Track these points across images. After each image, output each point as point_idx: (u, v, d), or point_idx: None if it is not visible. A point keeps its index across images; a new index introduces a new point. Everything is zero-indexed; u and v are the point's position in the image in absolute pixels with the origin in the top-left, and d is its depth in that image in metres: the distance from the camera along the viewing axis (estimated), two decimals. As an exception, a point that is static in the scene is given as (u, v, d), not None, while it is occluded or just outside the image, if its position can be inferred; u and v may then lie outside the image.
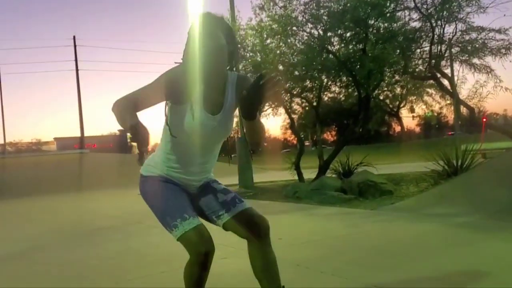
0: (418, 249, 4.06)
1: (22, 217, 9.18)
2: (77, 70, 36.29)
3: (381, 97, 14.20)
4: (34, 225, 7.77)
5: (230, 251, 4.35)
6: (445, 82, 11.43)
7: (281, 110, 13.51)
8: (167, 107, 2.10)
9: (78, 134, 34.24)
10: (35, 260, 4.82)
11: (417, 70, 11.67)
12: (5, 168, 18.07)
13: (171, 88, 2.03)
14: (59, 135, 45.25)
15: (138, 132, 1.82)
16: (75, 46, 36.45)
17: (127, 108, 1.99)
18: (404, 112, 17.08)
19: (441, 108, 14.26)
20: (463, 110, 11.38)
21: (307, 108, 13.83)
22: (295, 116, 13.91)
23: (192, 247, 2.07)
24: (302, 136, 14.98)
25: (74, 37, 36.82)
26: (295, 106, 13.78)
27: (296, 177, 11.79)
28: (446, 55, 10.88)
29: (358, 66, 10.08)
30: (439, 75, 11.07)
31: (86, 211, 6.19)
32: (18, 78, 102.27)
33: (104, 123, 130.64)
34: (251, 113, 1.94)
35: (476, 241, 4.15)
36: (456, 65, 11.34)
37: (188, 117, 2.08)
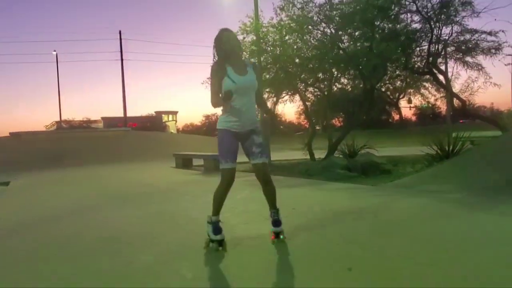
0: (413, 219, 4.05)
1: (75, 182, 9.37)
2: (122, 60, 36.52)
3: (383, 89, 14.05)
4: (84, 189, 7.95)
5: (251, 217, 4.42)
6: (441, 77, 11.27)
7: (297, 97, 13.45)
8: (223, 85, 3.17)
9: (122, 115, 34.56)
10: (85, 216, 4.96)
11: (416, 66, 11.49)
12: (61, 142, 18.40)
13: (216, 71, 3.23)
14: (105, 115, 45.74)
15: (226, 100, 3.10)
16: (120, 39, 36.60)
17: (216, 96, 3.23)
18: (402, 103, 16.87)
19: (436, 100, 14.07)
20: (457, 102, 11.20)
21: (319, 96, 13.74)
22: (308, 104, 13.83)
23: (224, 177, 3.29)
24: (314, 121, 14.89)
25: (120, 31, 36.95)
26: (309, 95, 13.71)
27: (308, 157, 11.77)
28: (442, 53, 10.68)
29: (364, 61, 9.94)
30: (435, 71, 10.88)
31: (128, 179, 6.29)
32: (73, 66, 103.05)
33: (143, 106, 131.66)
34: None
35: (465, 214, 4.13)
36: (451, 63, 11.17)
37: (230, 78, 3.14)
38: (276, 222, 3.41)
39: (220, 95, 3.18)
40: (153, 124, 46.13)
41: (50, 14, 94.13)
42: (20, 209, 5.89)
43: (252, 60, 3.60)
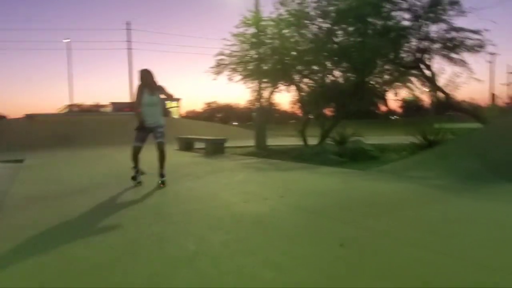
0: (398, 202, 4.03)
1: (86, 162, 9.31)
2: (129, 49, 36.12)
3: (372, 82, 13.94)
4: (94, 168, 7.89)
5: (249, 197, 4.39)
6: (427, 72, 11.17)
7: (292, 87, 13.34)
8: (142, 97, 5.25)
9: (129, 100, 34.30)
10: (94, 193, 4.90)
11: (404, 61, 11.38)
12: (72, 124, 18.25)
13: (139, 92, 5.27)
14: (114, 100, 45.38)
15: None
16: (128, 29, 36.14)
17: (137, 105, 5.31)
18: (390, 95, 16.77)
19: (421, 93, 14.00)
20: (440, 95, 11.12)
21: (312, 87, 13.63)
22: (303, 94, 13.73)
23: (133, 148, 5.30)
24: (307, 110, 14.80)
25: (127, 22, 36.49)
26: (303, 86, 13.59)
27: (301, 143, 11.73)
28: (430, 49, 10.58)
29: (357, 55, 9.84)
30: (422, 66, 10.79)
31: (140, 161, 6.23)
32: (83, 54, 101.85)
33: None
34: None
35: (450, 198, 4.13)
36: (438, 58, 11.07)
37: (145, 97, 5.24)
38: (162, 175, 5.39)
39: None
40: (157, 109, 45.72)
41: (63, 3, 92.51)
42: (32, 185, 5.83)
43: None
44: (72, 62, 63.00)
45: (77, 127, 17.56)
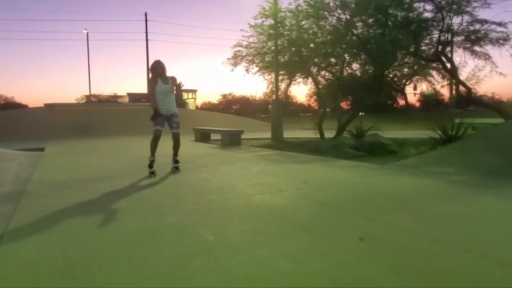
0: (418, 197, 3.98)
1: (104, 152, 9.45)
2: (147, 40, 36.37)
3: (391, 75, 13.72)
4: (111, 158, 8.00)
5: (266, 189, 4.38)
6: (448, 65, 10.92)
7: (309, 80, 13.24)
8: (156, 86, 5.50)
9: (145, 91, 34.60)
10: (114, 183, 4.97)
11: (425, 53, 11.15)
12: (90, 114, 18.53)
13: (152, 81, 5.52)
14: (131, 91, 45.86)
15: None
16: (146, 20, 36.37)
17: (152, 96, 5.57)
18: (408, 89, 16.53)
19: (442, 87, 13.73)
20: (462, 89, 10.88)
21: (329, 80, 13.50)
22: (320, 86, 13.62)
23: (155, 133, 5.52)
24: (324, 103, 14.69)
25: (145, 13, 36.73)
26: (321, 78, 13.48)
27: (318, 135, 11.65)
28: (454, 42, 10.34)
29: (376, 47, 9.68)
30: (444, 59, 10.55)
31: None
32: (102, 45, 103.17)
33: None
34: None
35: (470, 194, 4.04)
36: (460, 51, 10.82)
37: (159, 86, 5.50)
38: (176, 161, 5.80)
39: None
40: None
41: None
42: (52, 172, 5.96)
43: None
44: (90, 53, 63.79)
45: (95, 117, 17.82)
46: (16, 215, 3.32)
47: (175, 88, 5.62)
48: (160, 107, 5.50)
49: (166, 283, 1.98)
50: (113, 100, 41.04)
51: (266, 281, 1.98)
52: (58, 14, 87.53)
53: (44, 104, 19.97)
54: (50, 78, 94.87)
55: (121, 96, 45.48)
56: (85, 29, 40.21)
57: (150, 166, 5.50)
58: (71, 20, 79.40)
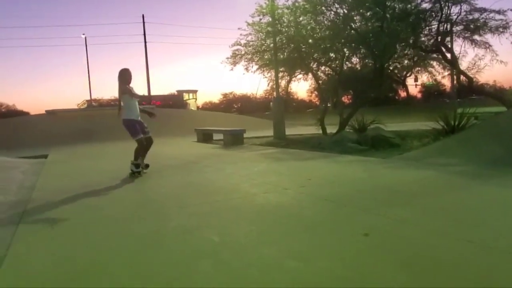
0: (422, 190, 3.98)
1: (107, 156, 9.50)
2: (145, 42, 36.38)
3: (391, 68, 13.69)
4: (115, 162, 8.02)
5: (270, 188, 4.39)
6: (448, 55, 10.89)
7: (309, 76, 13.23)
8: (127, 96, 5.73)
9: (146, 93, 34.64)
10: (117, 186, 5.01)
11: (424, 44, 11.12)
12: (92, 119, 18.56)
13: (124, 86, 5.70)
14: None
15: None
16: (143, 22, 36.39)
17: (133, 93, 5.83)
18: (409, 81, 16.49)
19: (443, 77, 13.69)
20: (463, 79, 10.85)
21: (330, 75, 13.48)
22: (320, 82, 13.61)
23: (139, 142, 5.63)
24: (325, 98, 14.67)
25: (143, 15, 36.74)
26: (320, 74, 13.46)
27: (320, 131, 11.65)
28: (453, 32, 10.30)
29: (375, 41, 9.65)
30: (444, 49, 10.52)
31: (154, 153, 6.31)
32: (100, 48, 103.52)
33: (166, 85, 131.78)
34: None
35: (474, 185, 4.04)
36: (459, 41, 10.78)
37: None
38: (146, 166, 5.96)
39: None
40: (175, 102, 46.18)
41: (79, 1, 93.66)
42: (56, 179, 5.99)
43: None
44: (90, 57, 63.94)
45: (96, 121, 17.83)
46: (22, 224, 3.35)
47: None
48: (133, 113, 5.74)
49: (173, 286, 1.99)
50: (114, 103, 41.05)
51: (273, 281, 2.00)
52: (55, 20, 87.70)
53: (46, 111, 20.02)
54: (51, 85, 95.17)
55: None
56: (83, 34, 40.34)
57: (136, 167, 5.68)
58: (69, 26, 79.69)
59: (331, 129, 11.29)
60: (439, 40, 10.27)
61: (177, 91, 55.06)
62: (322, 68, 12.98)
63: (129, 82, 5.78)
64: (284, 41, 11.69)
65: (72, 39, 59.65)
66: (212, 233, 2.81)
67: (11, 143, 14.58)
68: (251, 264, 2.23)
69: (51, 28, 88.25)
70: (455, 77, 11.75)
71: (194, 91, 56.53)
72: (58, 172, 6.97)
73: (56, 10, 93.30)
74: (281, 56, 12.13)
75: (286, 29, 11.49)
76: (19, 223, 3.38)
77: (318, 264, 2.17)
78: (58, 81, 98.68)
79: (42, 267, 2.35)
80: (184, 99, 51.75)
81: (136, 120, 5.75)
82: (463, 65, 11.07)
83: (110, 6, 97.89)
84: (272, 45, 11.69)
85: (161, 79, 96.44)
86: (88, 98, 40.34)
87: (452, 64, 10.72)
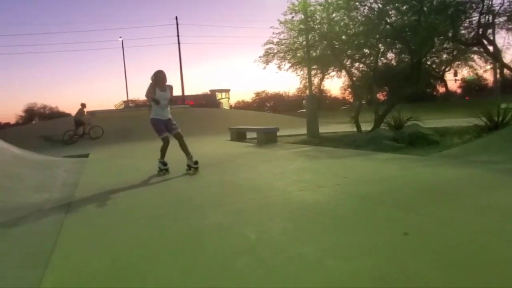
0: (464, 188, 3.82)
1: (143, 155, 9.75)
2: (179, 44, 37.10)
3: (429, 63, 13.26)
4: (151, 161, 8.19)
5: (305, 186, 4.36)
6: (491, 48, 10.41)
7: (343, 73, 13.04)
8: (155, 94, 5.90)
9: (180, 93, 35.30)
10: (152, 185, 5.13)
11: (464, 37, 10.68)
12: (129, 119, 19.13)
13: (153, 87, 5.91)
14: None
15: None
16: (177, 24, 37.10)
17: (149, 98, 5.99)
18: (448, 76, 15.89)
19: (484, 71, 13.11)
20: (506, 72, 10.33)
21: (363, 72, 13.23)
22: (354, 79, 13.38)
23: (165, 140, 6.02)
24: (359, 95, 14.40)
25: (176, 17, 37.46)
26: (354, 70, 13.24)
27: (354, 129, 11.46)
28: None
29: (412, 35, 9.37)
30: (485, 42, 10.06)
31: (182, 152, 6.46)
32: (136, 50, 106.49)
33: (199, 85, 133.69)
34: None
35: (520, 184, 3.84)
36: (502, 33, 10.28)
37: (158, 93, 5.90)
38: (195, 162, 6.05)
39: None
40: (208, 101, 46.77)
41: (114, 3, 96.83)
42: (98, 177, 6.23)
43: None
44: (126, 59, 65.98)
45: (134, 121, 18.35)
46: (67, 220, 3.51)
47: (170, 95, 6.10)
48: (159, 113, 5.97)
49: (213, 283, 2.03)
50: (149, 104, 42.10)
51: (311, 278, 1.99)
52: (95, 25, 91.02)
53: (86, 112, 20.81)
54: (90, 86, 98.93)
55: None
56: (120, 37, 41.58)
57: (164, 164, 6.05)
58: (107, 30, 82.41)
59: (366, 127, 11.07)
60: (480, 32, 9.83)
61: (210, 90, 55.75)
62: (356, 64, 12.77)
63: (163, 83, 5.98)
64: (316, 38, 11.58)
65: (109, 43, 61.70)
66: (248, 231, 2.83)
67: (55, 143, 15.29)
68: (289, 261, 2.22)
69: (89, 32, 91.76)
70: (498, 70, 11.20)
71: (227, 91, 57.01)
72: (99, 170, 7.24)
73: (94, 14, 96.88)
74: (314, 54, 12.02)
75: (319, 26, 11.37)
76: (64, 219, 3.54)
77: (357, 263, 2.14)
78: (96, 82, 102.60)
79: (87, 261, 2.45)
80: (217, 98, 52.29)
81: (161, 120, 5.99)
82: (507, 58, 10.64)
83: (144, 9, 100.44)
84: (304, 42, 11.61)
85: (194, 79, 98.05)
86: (125, 99, 41.69)
87: (495, 57, 10.24)
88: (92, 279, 2.16)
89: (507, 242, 2.29)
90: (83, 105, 17.18)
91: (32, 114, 56.42)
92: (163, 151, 6.06)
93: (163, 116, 6.01)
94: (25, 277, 2.28)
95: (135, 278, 2.14)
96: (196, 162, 6.02)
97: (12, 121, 56.42)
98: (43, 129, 18.81)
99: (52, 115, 48.99)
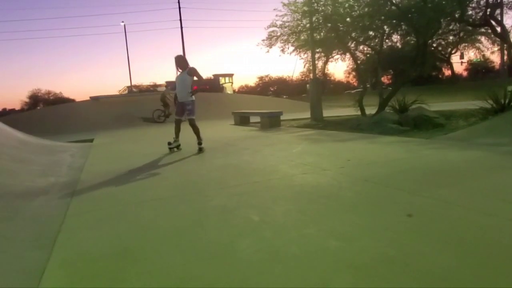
0: (468, 170, 3.81)
1: (147, 140, 9.78)
2: (181, 28, 36.76)
3: (435, 45, 13.08)
4: (155, 145, 8.25)
5: (309, 169, 4.36)
6: (499, 29, 10.21)
7: (347, 56, 12.89)
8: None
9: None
10: (157, 168, 5.15)
11: (472, 18, 10.48)
12: (132, 104, 19.15)
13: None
14: (169, 79, 46.71)
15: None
16: (179, 7, 36.70)
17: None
18: (454, 58, 15.70)
19: (492, 53, 12.92)
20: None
21: (368, 55, 13.08)
22: (358, 62, 13.24)
23: (175, 122, 6.82)
24: (364, 78, 14.27)
25: (178, 1, 36.98)
26: (359, 53, 13.09)
27: (358, 113, 11.39)
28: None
29: (418, 16, 9.21)
30: (493, 23, 9.86)
31: (192, 136, 6.46)
32: (139, 35, 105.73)
33: (202, 70, 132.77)
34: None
35: (526, 166, 3.81)
36: (511, 13, 10.07)
37: (176, 76, 6.67)
38: (199, 143, 6.56)
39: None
40: (211, 86, 46.54)
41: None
42: (102, 162, 6.26)
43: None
44: (129, 44, 65.54)
45: (137, 106, 18.41)
46: (73, 203, 3.54)
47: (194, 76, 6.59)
48: (178, 95, 6.65)
49: (215, 263, 2.05)
50: (152, 89, 42.07)
51: (315, 259, 2.00)
52: (96, 9, 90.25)
53: (90, 97, 20.86)
54: (93, 72, 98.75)
55: (160, 85, 46.53)
56: (122, 22, 41.25)
57: (170, 143, 6.76)
58: (109, 14, 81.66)
59: (370, 110, 11.00)
60: (488, 13, 9.63)
61: (213, 75, 55.41)
62: (361, 47, 12.62)
63: (179, 67, 6.62)
64: (320, 21, 11.42)
65: (112, 27, 61.24)
66: (252, 213, 2.84)
67: (59, 129, 15.36)
68: (292, 242, 2.24)
69: (92, 17, 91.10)
70: (505, 52, 11.01)
71: (230, 75, 56.59)
72: (104, 154, 7.28)
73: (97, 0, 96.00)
74: (318, 37, 11.87)
75: (323, 8, 11.20)
76: (70, 202, 3.58)
77: (360, 244, 2.15)
78: (99, 68, 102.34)
79: (93, 243, 2.48)
80: (221, 83, 52.03)
81: (179, 102, 6.66)
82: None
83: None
84: (308, 25, 11.45)
85: (198, 64, 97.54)
86: (129, 84, 41.59)
87: (503, 38, 10.06)
88: (98, 260, 2.19)
89: (509, 223, 2.28)
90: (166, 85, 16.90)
91: (36, 100, 56.57)
92: (174, 131, 6.76)
93: (179, 98, 6.62)
94: (33, 257, 2.32)
95: (140, 259, 2.17)
96: (200, 143, 6.60)
97: (17, 107, 56.72)
98: (46, 115, 18.88)
99: (56, 101, 49.06)
